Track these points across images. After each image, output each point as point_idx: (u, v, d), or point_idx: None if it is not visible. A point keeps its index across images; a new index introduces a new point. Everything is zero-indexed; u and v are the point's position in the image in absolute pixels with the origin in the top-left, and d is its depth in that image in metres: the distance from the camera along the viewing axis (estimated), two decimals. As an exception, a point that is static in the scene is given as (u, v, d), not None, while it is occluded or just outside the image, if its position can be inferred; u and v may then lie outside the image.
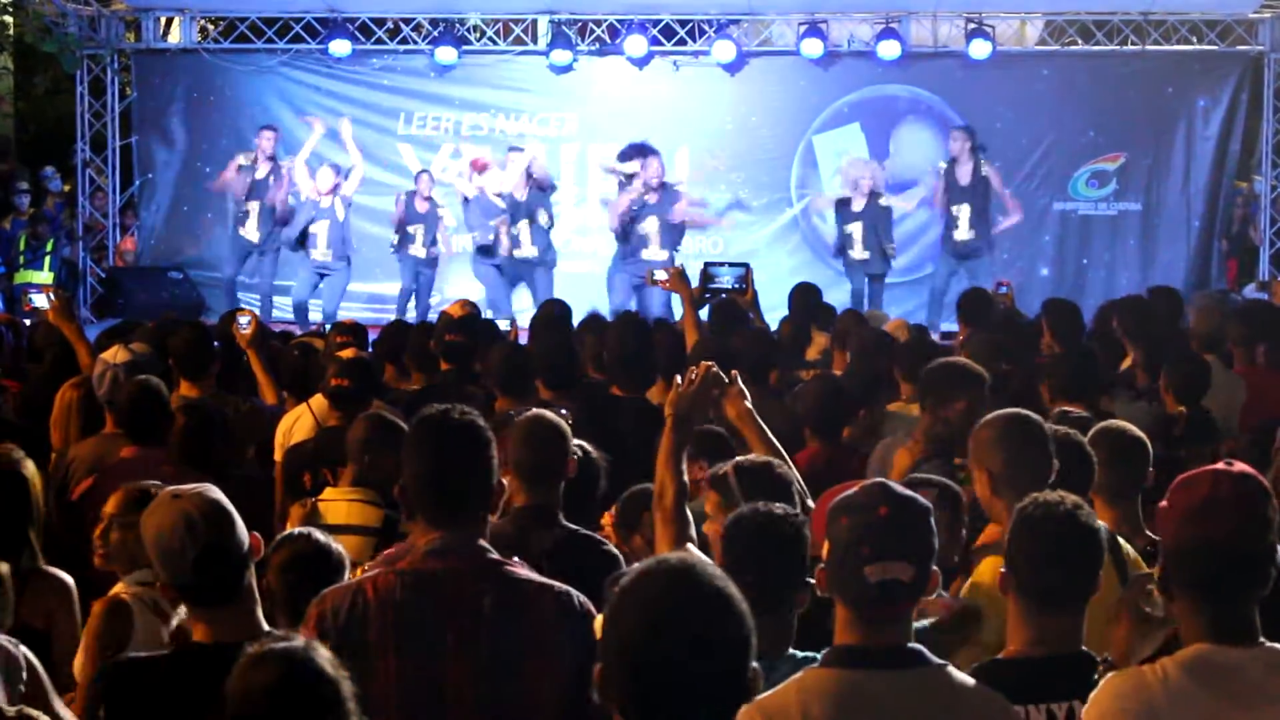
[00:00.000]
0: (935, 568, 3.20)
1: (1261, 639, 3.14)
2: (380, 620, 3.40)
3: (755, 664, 2.50)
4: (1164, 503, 3.21)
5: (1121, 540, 4.43)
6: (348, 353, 7.00)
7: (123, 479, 5.60)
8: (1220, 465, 3.19)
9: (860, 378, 7.10)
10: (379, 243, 16.48)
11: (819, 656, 3.28)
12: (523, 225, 15.09)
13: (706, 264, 9.02)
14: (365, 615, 3.40)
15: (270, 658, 2.70)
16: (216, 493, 3.67)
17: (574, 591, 3.53)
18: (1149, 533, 4.59)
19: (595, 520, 4.96)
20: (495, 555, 3.53)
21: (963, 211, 14.96)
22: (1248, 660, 3.08)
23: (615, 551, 4.64)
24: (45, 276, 15.80)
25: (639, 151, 15.18)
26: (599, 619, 2.91)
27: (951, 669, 3.19)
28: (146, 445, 5.86)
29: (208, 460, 5.75)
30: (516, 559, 3.63)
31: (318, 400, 7.03)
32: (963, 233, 14.93)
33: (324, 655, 2.74)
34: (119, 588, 4.50)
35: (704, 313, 8.89)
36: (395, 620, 3.41)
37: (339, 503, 5.36)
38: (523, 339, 10.18)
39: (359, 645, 3.33)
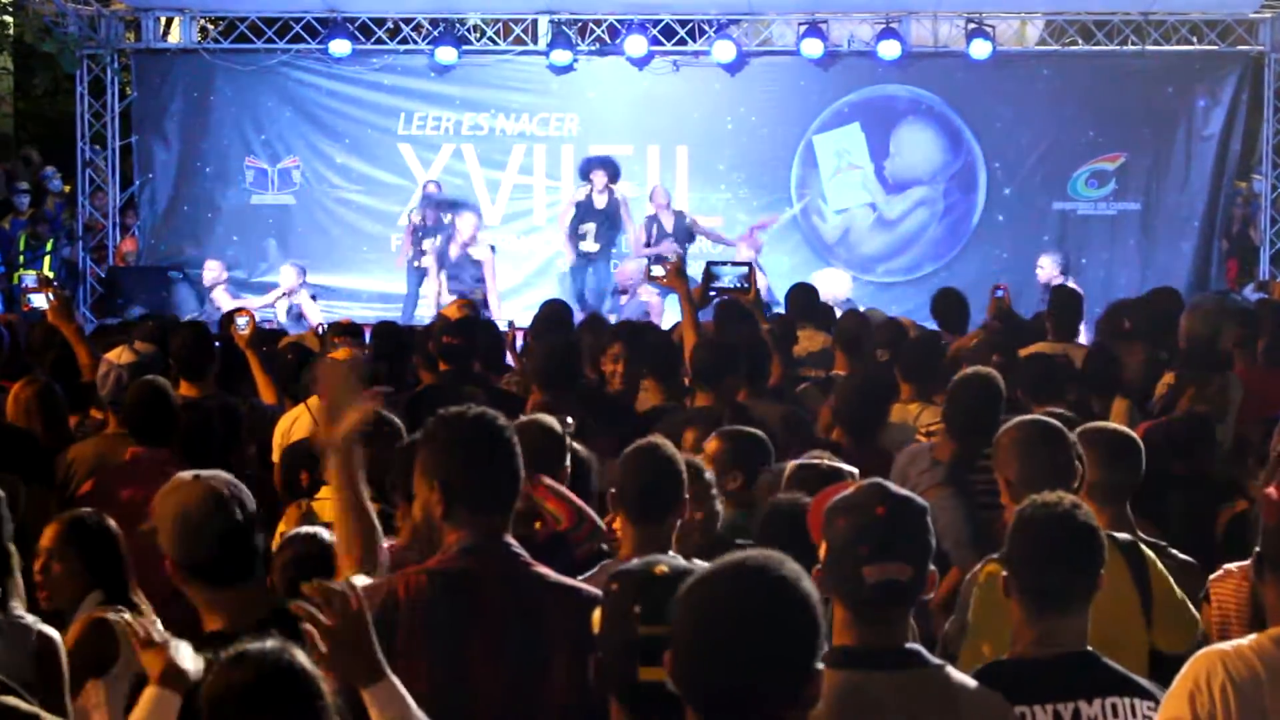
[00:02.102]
0: (933, 567, 3.20)
1: None
2: (410, 622, 3.41)
3: (821, 665, 2.49)
4: (1269, 489, 3.21)
5: (1144, 547, 4.44)
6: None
7: (128, 479, 5.63)
8: None
9: (887, 376, 7.10)
10: (380, 242, 16.50)
11: None
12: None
13: (709, 263, 8.99)
14: (395, 618, 3.40)
15: (248, 658, 2.70)
16: (239, 485, 3.73)
17: (598, 592, 3.53)
18: (1140, 534, 4.59)
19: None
20: (523, 555, 3.56)
21: None
22: None
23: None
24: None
25: (597, 165, 15.73)
26: (597, 612, 2.91)
27: (950, 669, 3.19)
28: (152, 446, 5.85)
29: (211, 459, 5.74)
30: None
31: (315, 401, 7.03)
32: None
33: (301, 655, 2.74)
34: (86, 613, 4.40)
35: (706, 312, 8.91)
36: (425, 622, 3.42)
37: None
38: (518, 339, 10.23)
39: (389, 647, 3.29)
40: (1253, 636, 3.13)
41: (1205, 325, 8.34)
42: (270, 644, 2.73)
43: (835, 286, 13.43)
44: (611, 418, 6.75)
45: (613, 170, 15.82)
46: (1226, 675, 3.04)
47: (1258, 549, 3.23)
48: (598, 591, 3.47)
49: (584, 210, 15.77)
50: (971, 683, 3.21)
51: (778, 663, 2.45)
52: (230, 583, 3.64)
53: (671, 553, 4.20)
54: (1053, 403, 6.28)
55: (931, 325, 10.55)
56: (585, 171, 15.94)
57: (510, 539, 3.56)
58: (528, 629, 3.45)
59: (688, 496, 4.29)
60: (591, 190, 15.78)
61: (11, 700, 3.41)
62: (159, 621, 4.56)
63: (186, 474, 3.73)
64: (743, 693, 2.45)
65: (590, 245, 15.72)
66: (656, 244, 15.52)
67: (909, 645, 3.16)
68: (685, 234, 15.79)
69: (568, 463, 4.79)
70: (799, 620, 2.48)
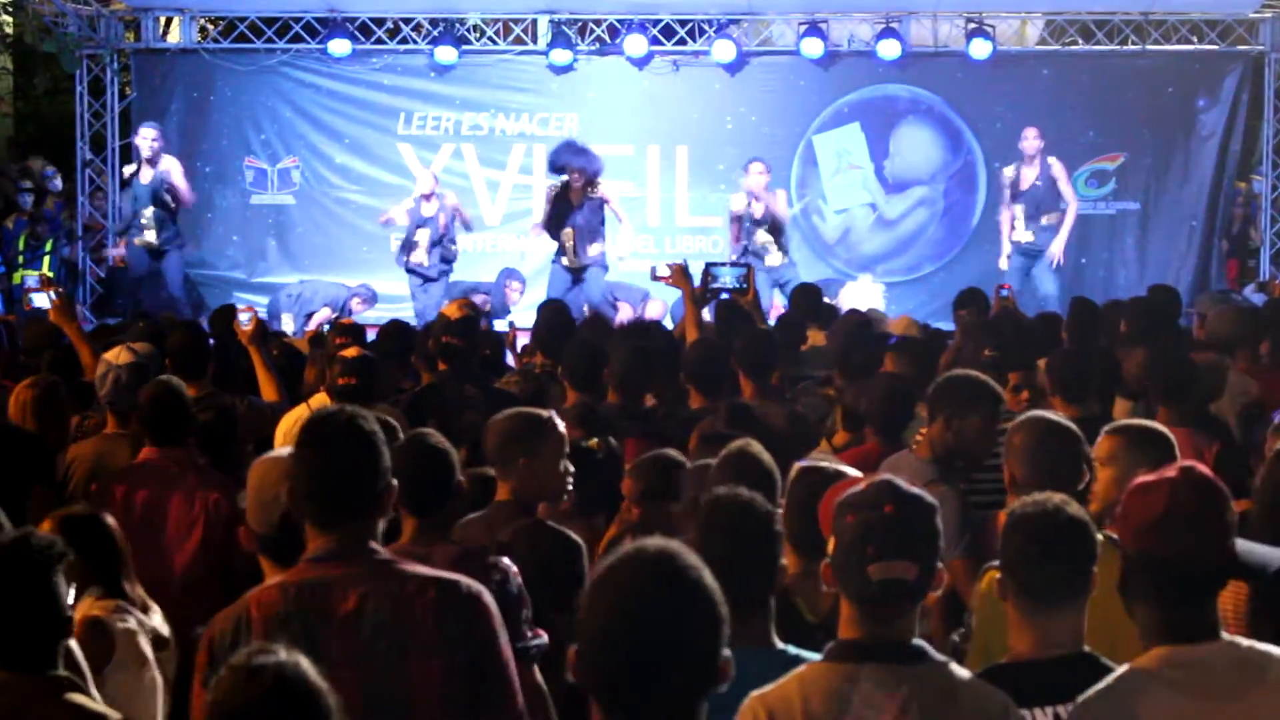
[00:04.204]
0: (941, 565, 3.20)
1: (1222, 634, 3.16)
2: (265, 636, 3.34)
3: (727, 651, 2.50)
4: (1119, 508, 3.21)
5: None
6: (351, 351, 6.99)
7: (146, 480, 5.63)
8: (1175, 474, 3.18)
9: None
10: (380, 242, 16.48)
11: (808, 654, 3.28)
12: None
13: (708, 264, 9.03)
14: (250, 633, 3.37)
15: (264, 671, 2.64)
16: None
17: (461, 579, 3.50)
18: None
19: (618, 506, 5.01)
20: (383, 555, 3.50)
21: (1017, 211, 14.89)
22: (1210, 656, 3.09)
23: (577, 541, 4.66)
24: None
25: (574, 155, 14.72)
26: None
27: (954, 665, 3.20)
28: (168, 446, 5.84)
29: (232, 457, 5.75)
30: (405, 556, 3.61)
31: (318, 400, 7.03)
32: (1019, 233, 14.86)
33: (312, 669, 2.71)
34: (83, 609, 4.37)
35: (706, 312, 8.92)
36: (281, 634, 3.34)
37: None
38: (520, 339, 10.23)
39: None
40: (1117, 673, 3.16)
41: (1228, 327, 8.29)
42: (283, 656, 2.67)
43: (866, 300, 13.45)
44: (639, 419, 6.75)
45: (590, 169, 14.39)
46: (1112, 710, 3.09)
47: (1121, 569, 3.24)
48: (477, 585, 3.49)
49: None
50: (975, 679, 3.22)
51: (683, 653, 2.45)
52: (286, 565, 3.65)
53: None
54: (1081, 404, 6.24)
55: (928, 324, 10.57)
56: (557, 166, 14.62)
57: (374, 544, 3.49)
58: (385, 630, 3.39)
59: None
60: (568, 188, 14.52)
61: (79, 699, 3.42)
62: (158, 614, 4.57)
63: (282, 450, 3.75)
64: (649, 686, 2.44)
65: (571, 259, 14.39)
66: (748, 239, 14.47)
67: (914, 641, 3.16)
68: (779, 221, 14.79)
69: (549, 450, 4.77)
70: (701, 608, 2.48)
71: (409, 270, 15.00)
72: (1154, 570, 3.11)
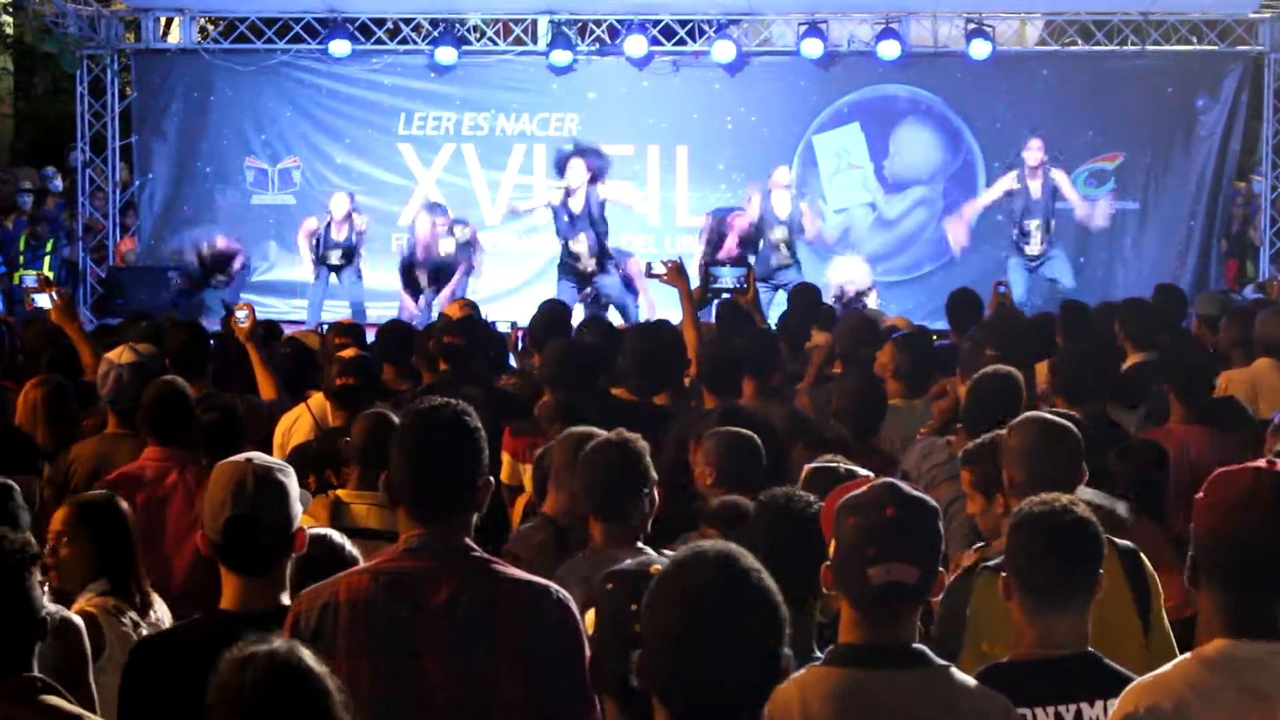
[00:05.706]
0: (941, 569, 3.20)
1: None
2: (351, 621, 3.36)
3: (789, 651, 2.51)
4: (1200, 495, 3.20)
5: (1143, 555, 4.41)
6: (349, 351, 6.98)
7: (148, 480, 5.64)
8: (1262, 463, 3.17)
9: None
10: (380, 242, 16.48)
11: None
12: None
13: (709, 264, 9.02)
14: (337, 617, 3.37)
15: (258, 657, 2.66)
16: (288, 474, 3.69)
17: (552, 586, 3.47)
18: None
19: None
20: (478, 553, 3.47)
21: (1032, 226, 14.75)
22: (1269, 655, 3.07)
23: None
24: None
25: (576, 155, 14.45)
26: (590, 614, 2.90)
27: (954, 670, 3.19)
28: (171, 446, 5.84)
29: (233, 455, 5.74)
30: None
31: (317, 400, 7.02)
32: (1034, 247, 14.73)
33: (309, 653, 2.72)
34: (81, 602, 4.42)
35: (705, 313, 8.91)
36: (367, 621, 3.36)
37: (360, 505, 5.33)
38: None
39: (332, 647, 3.28)
40: (1177, 660, 3.13)
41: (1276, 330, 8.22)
42: (278, 643, 2.68)
43: (853, 275, 13.43)
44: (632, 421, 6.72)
45: (596, 166, 14.27)
46: (1163, 698, 3.04)
47: (1190, 556, 3.23)
48: (566, 594, 3.45)
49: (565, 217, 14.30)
50: (974, 683, 3.21)
51: (746, 654, 2.47)
52: (235, 571, 3.63)
53: (642, 546, 4.26)
54: (1083, 405, 6.18)
55: (926, 323, 10.58)
56: (561, 165, 14.47)
57: (468, 540, 3.46)
58: (473, 627, 3.37)
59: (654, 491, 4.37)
60: (567, 195, 14.29)
61: (54, 700, 3.41)
62: (160, 607, 4.57)
63: (244, 455, 3.72)
64: (714, 687, 2.46)
65: (589, 264, 14.18)
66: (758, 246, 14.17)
67: (914, 645, 3.16)
68: (799, 228, 14.54)
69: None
70: (763, 609, 2.49)
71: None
72: (1226, 555, 3.07)
